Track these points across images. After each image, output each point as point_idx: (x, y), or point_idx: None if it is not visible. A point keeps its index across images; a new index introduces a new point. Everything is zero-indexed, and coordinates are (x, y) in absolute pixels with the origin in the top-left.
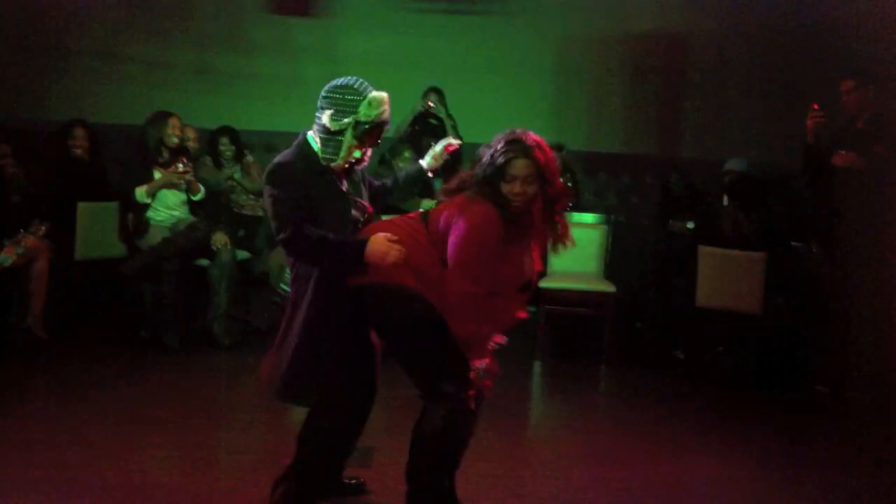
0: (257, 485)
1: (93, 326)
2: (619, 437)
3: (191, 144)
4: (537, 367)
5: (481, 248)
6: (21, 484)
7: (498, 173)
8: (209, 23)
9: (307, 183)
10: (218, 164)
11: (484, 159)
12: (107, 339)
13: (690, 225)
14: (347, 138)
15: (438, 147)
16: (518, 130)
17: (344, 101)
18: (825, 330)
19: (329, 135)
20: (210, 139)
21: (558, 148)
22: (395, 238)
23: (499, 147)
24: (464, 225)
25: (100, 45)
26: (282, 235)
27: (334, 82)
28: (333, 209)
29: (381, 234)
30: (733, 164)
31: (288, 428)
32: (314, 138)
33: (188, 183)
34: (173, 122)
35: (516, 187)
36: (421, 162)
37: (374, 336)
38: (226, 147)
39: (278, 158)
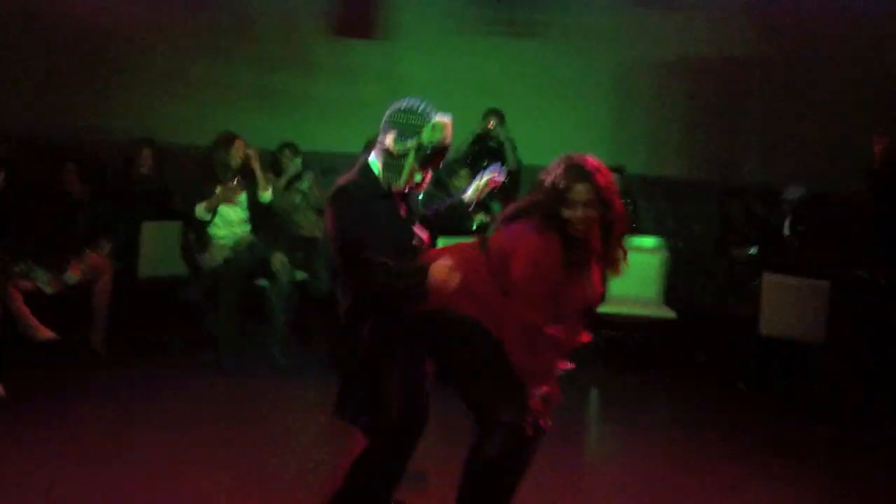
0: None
1: (153, 345)
2: (675, 470)
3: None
4: (594, 394)
5: (542, 277)
6: (77, 499)
7: (559, 199)
8: (272, 45)
9: (369, 206)
10: (278, 174)
11: (545, 185)
12: (166, 358)
13: (752, 251)
14: (409, 161)
15: (482, 180)
16: (576, 155)
17: (407, 125)
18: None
19: (391, 158)
20: (273, 154)
21: (618, 170)
22: (454, 266)
23: (559, 172)
24: (524, 254)
25: (164, 66)
26: (343, 259)
27: (399, 105)
28: (394, 234)
29: (442, 262)
30: (791, 194)
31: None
32: (377, 161)
33: (259, 181)
34: (238, 144)
35: (578, 212)
36: (463, 196)
37: (427, 364)
38: (288, 159)
39: (340, 181)
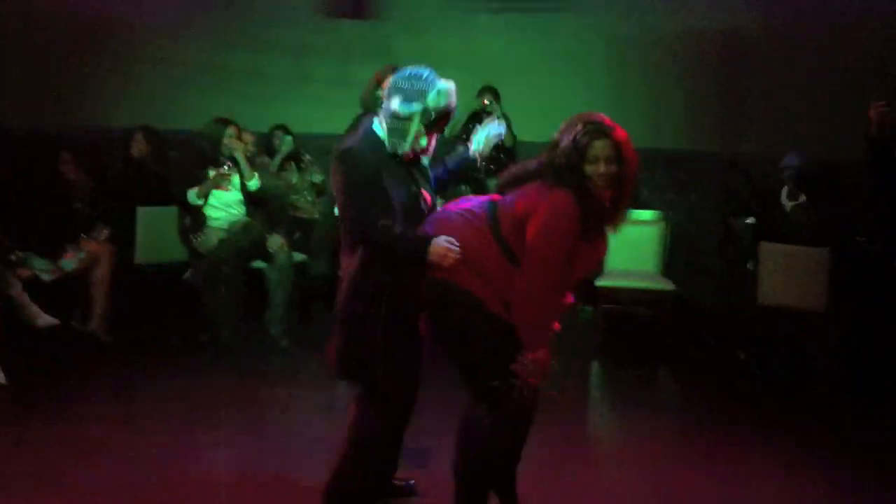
0: (314, 484)
1: (154, 329)
2: (676, 439)
3: (248, 148)
4: (595, 366)
5: (564, 236)
6: (82, 483)
7: (581, 155)
8: (264, 27)
9: (376, 167)
10: (271, 155)
11: (563, 144)
12: (167, 341)
13: (750, 220)
14: (415, 125)
15: (491, 132)
16: (592, 112)
17: (413, 90)
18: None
19: (397, 120)
20: (266, 136)
21: None
22: (456, 241)
23: (578, 129)
24: (546, 212)
25: (157, 52)
26: (353, 218)
27: (404, 71)
28: (403, 197)
29: (443, 238)
30: (791, 160)
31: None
32: (380, 125)
33: (242, 171)
34: (230, 131)
35: (601, 167)
36: (470, 148)
37: (421, 332)
38: (281, 140)
39: (347, 142)
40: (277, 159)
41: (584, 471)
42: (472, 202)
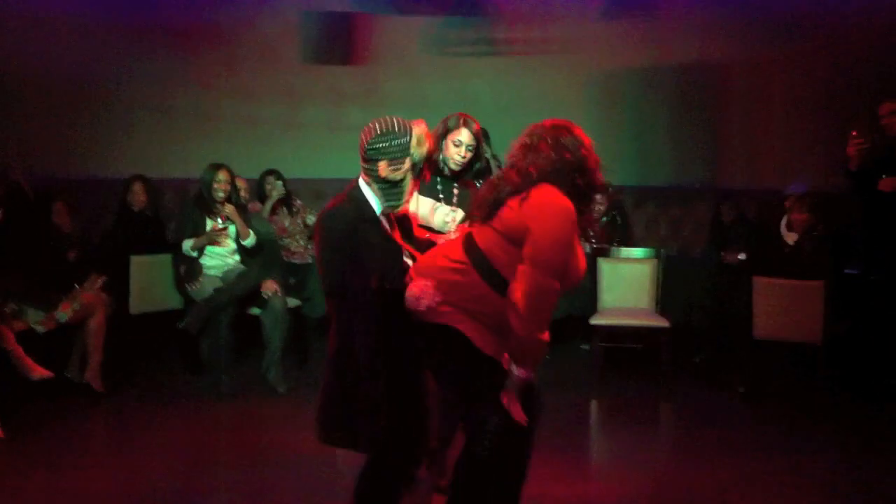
0: None
1: (149, 378)
2: (681, 473)
3: (242, 195)
4: (594, 405)
5: (567, 239)
6: None
7: (584, 166)
8: (253, 74)
9: (358, 230)
10: (263, 201)
11: (555, 156)
12: (164, 389)
13: (742, 256)
14: (407, 182)
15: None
16: (556, 121)
17: (395, 149)
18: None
19: (390, 185)
20: (258, 182)
21: (604, 187)
22: (433, 283)
23: (572, 139)
24: (549, 216)
25: (149, 100)
26: (329, 282)
27: (373, 132)
28: (382, 256)
29: (418, 281)
30: (796, 188)
31: (347, 475)
32: (366, 188)
33: (238, 230)
34: (221, 175)
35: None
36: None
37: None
38: (272, 186)
39: (329, 206)
40: (269, 204)
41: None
42: (444, 244)
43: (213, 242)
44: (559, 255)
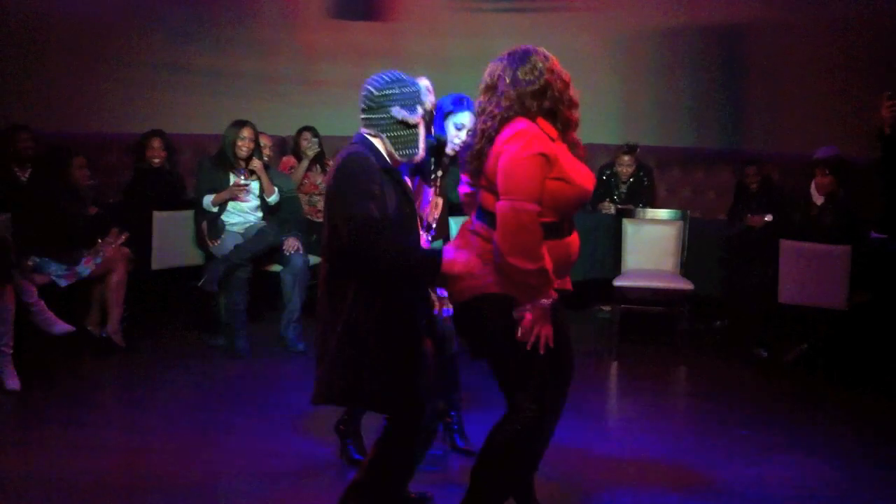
0: (329, 491)
1: (169, 334)
2: (699, 437)
3: (266, 153)
4: (614, 367)
5: (531, 161)
6: (95, 488)
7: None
8: (273, 30)
9: (381, 179)
10: (299, 158)
11: (513, 92)
12: (182, 346)
13: (769, 217)
14: (422, 128)
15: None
16: (529, 48)
17: (406, 95)
18: None
19: (405, 129)
20: (294, 139)
21: (632, 149)
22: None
23: (552, 68)
24: (511, 144)
25: (167, 57)
26: (353, 232)
27: (382, 81)
28: (400, 208)
29: (459, 258)
30: (824, 153)
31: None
32: (377, 139)
33: (263, 187)
34: (245, 132)
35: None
36: None
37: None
38: (308, 142)
39: (350, 150)
40: (305, 162)
41: (603, 467)
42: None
43: (235, 198)
44: (525, 179)
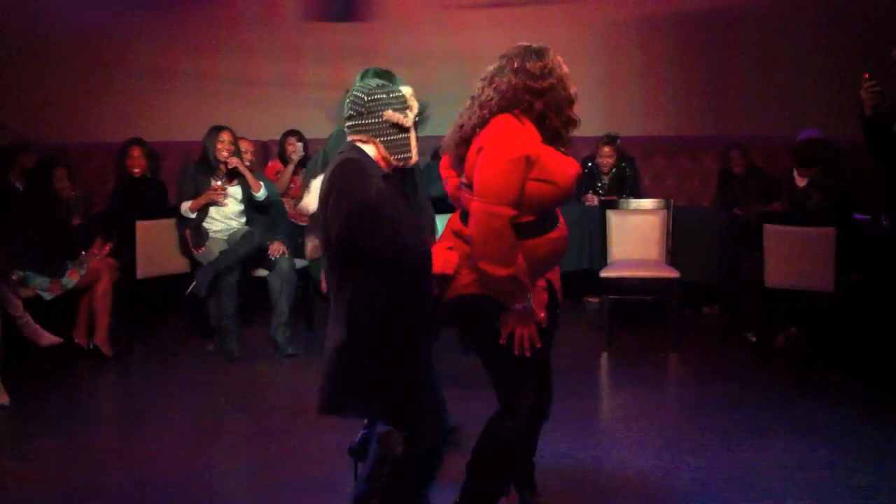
0: (322, 492)
1: (157, 341)
2: (691, 423)
3: (247, 157)
4: (604, 358)
5: (510, 165)
6: (93, 498)
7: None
8: (252, 33)
9: (376, 183)
10: (285, 163)
11: (505, 87)
12: (171, 353)
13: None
14: (413, 135)
15: None
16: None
17: (394, 99)
18: None
19: (402, 132)
20: (279, 143)
21: (612, 139)
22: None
23: (548, 61)
24: (490, 144)
25: (146, 63)
26: (359, 228)
27: (369, 88)
28: (402, 215)
29: (440, 255)
30: (807, 135)
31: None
32: (370, 144)
33: (249, 183)
34: (224, 136)
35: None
36: None
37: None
38: (293, 147)
39: (344, 155)
40: (291, 167)
41: (601, 464)
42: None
43: (213, 202)
44: (501, 182)
